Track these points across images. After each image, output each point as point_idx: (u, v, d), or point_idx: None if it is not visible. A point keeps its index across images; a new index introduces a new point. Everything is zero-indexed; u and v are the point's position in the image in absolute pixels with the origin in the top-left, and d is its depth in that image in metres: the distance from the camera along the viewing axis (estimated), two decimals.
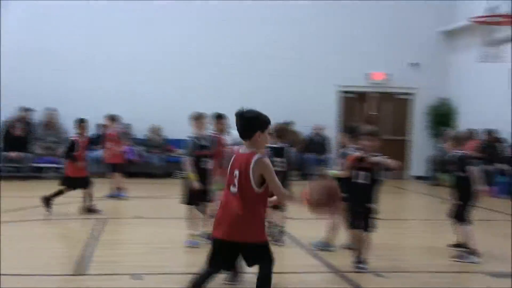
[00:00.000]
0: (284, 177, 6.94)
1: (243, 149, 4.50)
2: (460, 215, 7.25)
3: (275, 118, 16.08)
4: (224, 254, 4.48)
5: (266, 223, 6.38)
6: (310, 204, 4.53)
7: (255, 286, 4.45)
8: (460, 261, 7.05)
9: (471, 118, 16.35)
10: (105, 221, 9.16)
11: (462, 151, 7.35)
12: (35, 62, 16.02)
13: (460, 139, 7.48)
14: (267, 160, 4.40)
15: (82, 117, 10.36)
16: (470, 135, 15.42)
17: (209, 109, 16.27)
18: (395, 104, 18.30)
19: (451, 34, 17.75)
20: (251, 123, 4.46)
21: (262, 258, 4.48)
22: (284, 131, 7.76)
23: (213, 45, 16.99)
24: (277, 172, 4.62)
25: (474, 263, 6.96)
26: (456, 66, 17.64)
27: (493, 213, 11.05)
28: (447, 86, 17.86)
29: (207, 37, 17.00)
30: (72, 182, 9.92)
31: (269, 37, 17.18)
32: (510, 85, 14.34)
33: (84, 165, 10.09)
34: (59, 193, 9.89)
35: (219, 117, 8.63)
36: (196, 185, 7.41)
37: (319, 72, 17.45)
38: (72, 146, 9.98)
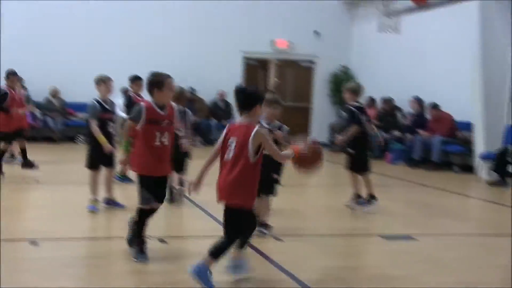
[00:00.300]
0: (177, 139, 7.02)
1: (239, 120, 4.91)
2: (357, 166, 7.71)
3: (179, 84, 16.08)
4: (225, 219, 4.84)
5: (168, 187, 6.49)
6: (300, 160, 4.95)
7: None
8: (357, 208, 7.47)
9: (371, 86, 16.87)
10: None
11: (358, 103, 7.78)
12: None
13: (357, 91, 7.91)
14: (264, 131, 4.91)
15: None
16: (370, 102, 16.01)
17: (111, 73, 16.00)
18: (298, 72, 18.62)
19: (353, 4, 18.17)
20: (252, 97, 4.87)
21: (240, 224, 4.82)
22: (180, 96, 7.78)
23: (118, 8, 16.58)
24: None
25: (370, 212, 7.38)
26: (357, 36, 18.13)
27: (389, 179, 11.56)
28: (348, 55, 18.34)
29: (113, 12, 16.58)
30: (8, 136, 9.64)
31: (175, 6, 16.96)
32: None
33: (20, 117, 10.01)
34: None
35: (136, 78, 9.29)
36: (109, 147, 7.37)
37: (223, 38, 17.44)
38: (3, 97, 9.61)
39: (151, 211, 5.49)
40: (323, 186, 10.81)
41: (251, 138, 4.67)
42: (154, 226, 5.84)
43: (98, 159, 7.46)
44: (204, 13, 17.25)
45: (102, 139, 7.34)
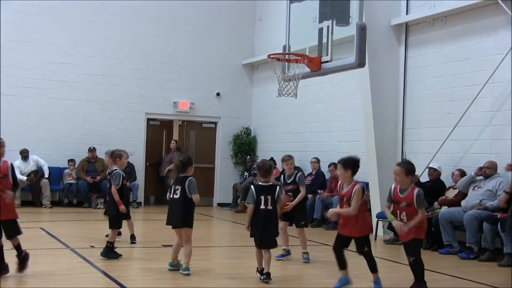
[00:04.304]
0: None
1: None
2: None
3: (86, 144, 15.86)
4: None
5: None
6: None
7: None
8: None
9: (271, 147, 17.42)
10: None
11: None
12: None
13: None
14: None
15: None
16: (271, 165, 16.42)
17: (8, 134, 15.75)
18: (200, 132, 18.89)
19: (253, 67, 18.82)
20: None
21: None
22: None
23: (16, 60, 16.34)
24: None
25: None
26: (256, 97, 18.72)
27: (292, 239, 11.82)
28: (249, 116, 18.85)
29: (8, 52, 16.28)
30: None
31: (78, 61, 16.96)
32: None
33: None
34: None
35: None
36: None
37: (129, 100, 17.55)
38: None
39: None
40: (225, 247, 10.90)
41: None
42: None
43: None
44: (109, 74, 17.30)
45: None
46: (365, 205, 7.17)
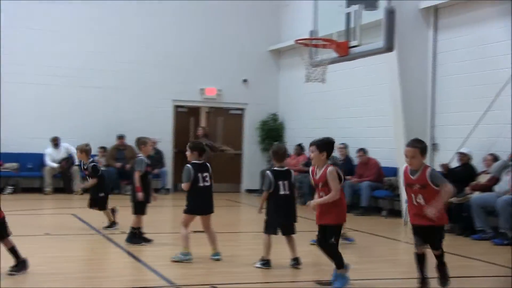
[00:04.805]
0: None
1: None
2: None
3: (113, 132, 16.01)
4: None
5: None
6: None
7: None
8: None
9: (299, 134, 17.39)
10: None
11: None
12: None
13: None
14: None
15: None
16: (299, 150, 16.46)
17: (40, 123, 15.96)
18: (227, 119, 18.93)
19: (280, 53, 18.76)
20: None
21: None
22: None
23: (42, 59, 16.55)
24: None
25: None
26: (284, 83, 18.67)
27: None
28: (276, 102, 18.82)
29: (36, 52, 16.52)
30: None
31: (106, 52, 17.11)
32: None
33: None
34: None
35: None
36: None
37: (157, 87, 17.64)
38: None
39: None
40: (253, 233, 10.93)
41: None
42: None
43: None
44: (136, 62, 17.41)
45: None
46: (342, 190, 6.54)
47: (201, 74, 18.14)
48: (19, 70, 16.24)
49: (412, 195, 6.22)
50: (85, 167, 10.46)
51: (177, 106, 18.22)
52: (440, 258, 6.37)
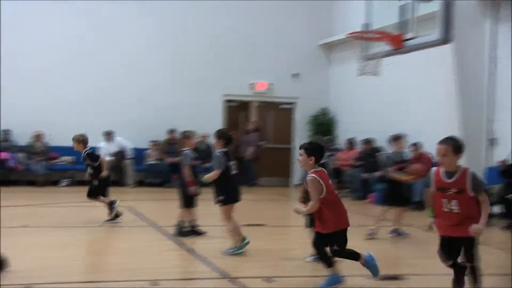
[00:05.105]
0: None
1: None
2: None
3: (167, 126, 16.07)
4: None
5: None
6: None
7: None
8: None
9: (350, 127, 17.24)
10: None
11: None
12: None
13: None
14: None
15: None
16: (349, 144, 16.33)
17: (94, 117, 16.26)
18: (278, 113, 18.90)
19: (331, 47, 18.61)
20: None
21: None
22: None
23: (97, 54, 16.83)
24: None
25: None
26: (335, 77, 18.52)
27: (373, 219, 11.69)
28: (327, 96, 18.69)
29: (94, 45, 16.80)
30: None
31: (155, 47, 17.30)
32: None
33: None
34: None
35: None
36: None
37: (205, 81, 17.73)
38: None
39: None
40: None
41: None
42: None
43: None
44: (186, 57, 17.55)
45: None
46: (334, 195, 6.19)
47: (251, 68, 18.14)
48: (73, 65, 16.57)
49: (444, 200, 5.50)
50: (83, 157, 10.34)
51: (227, 101, 18.28)
52: (473, 268, 5.61)
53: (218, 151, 7.83)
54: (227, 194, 7.75)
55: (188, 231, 8.93)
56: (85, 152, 10.23)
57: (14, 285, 5.99)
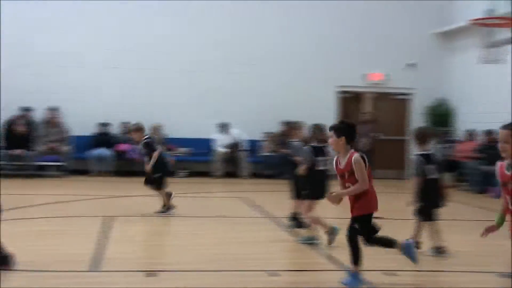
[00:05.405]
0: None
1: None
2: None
3: (279, 117, 16.11)
4: None
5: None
6: None
7: None
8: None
9: (470, 118, 16.55)
10: (112, 219, 9.25)
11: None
12: (35, 60, 16.12)
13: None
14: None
15: None
16: (468, 136, 15.70)
17: (210, 110, 16.61)
18: (393, 105, 18.48)
19: (448, 35, 17.94)
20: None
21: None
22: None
23: (215, 47, 17.12)
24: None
25: None
26: (453, 67, 17.83)
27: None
28: (444, 86, 18.04)
29: (209, 39, 17.13)
30: None
31: (270, 38, 17.38)
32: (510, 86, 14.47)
33: None
34: None
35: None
36: None
37: (317, 72, 17.63)
38: None
39: None
40: None
41: None
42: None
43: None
44: (299, 48, 17.52)
45: None
46: (371, 178, 5.80)
47: (364, 59, 17.85)
48: (189, 59, 16.97)
49: (509, 197, 4.86)
50: (141, 147, 10.32)
51: (339, 92, 18.07)
52: None
53: (308, 145, 7.82)
54: (312, 189, 7.68)
55: (304, 222, 8.87)
56: (144, 140, 10.18)
57: (136, 271, 6.19)
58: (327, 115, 17.56)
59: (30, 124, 15.58)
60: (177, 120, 16.50)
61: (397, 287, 6.15)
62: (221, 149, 16.60)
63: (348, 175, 5.73)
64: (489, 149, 14.79)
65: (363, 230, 5.74)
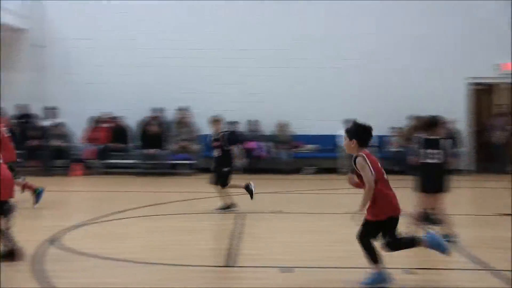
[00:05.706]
0: (440, 168, 7.52)
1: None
2: None
3: (405, 112, 15.65)
4: None
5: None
6: None
7: None
8: None
9: None
10: (244, 216, 9.41)
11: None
12: (165, 65, 16.80)
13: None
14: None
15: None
16: None
17: (334, 106, 16.50)
18: None
19: None
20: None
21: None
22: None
23: (336, 42, 17.02)
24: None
25: None
26: None
27: None
28: None
29: (329, 35, 17.04)
30: None
31: (395, 34, 17.03)
32: None
33: None
34: None
35: None
36: None
37: (446, 64, 17.01)
38: None
39: None
40: None
41: None
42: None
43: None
44: (427, 40, 17.02)
45: None
46: (384, 182, 5.72)
47: (496, 48, 16.98)
48: (314, 56, 16.96)
49: None
50: (216, 138, 10.04)
51: (471, 84, 17.32)
52: None
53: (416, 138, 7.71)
54: (420, 182, 7.60)
55: (436, 218, 8.56)
56: (223, 132, 10.01)
57: (259, 267, 6.25)
58: (458, 108, 17.00)
59: (162, 124, 16.22)
60: (303, 117, 16.54)
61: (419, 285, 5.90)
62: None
63: (361, 178, 5.72)
64: None
65: (368, 234, 5.71)
